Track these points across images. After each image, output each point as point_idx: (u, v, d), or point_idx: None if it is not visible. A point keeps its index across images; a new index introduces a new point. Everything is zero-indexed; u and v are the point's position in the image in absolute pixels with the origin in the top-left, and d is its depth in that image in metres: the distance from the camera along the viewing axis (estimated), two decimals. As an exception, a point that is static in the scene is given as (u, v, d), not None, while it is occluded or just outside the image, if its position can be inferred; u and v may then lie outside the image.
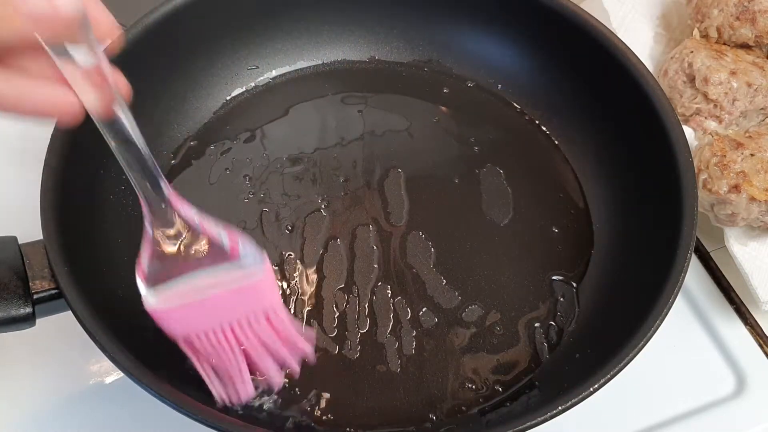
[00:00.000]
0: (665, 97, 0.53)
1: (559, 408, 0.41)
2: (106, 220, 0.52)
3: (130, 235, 0.53)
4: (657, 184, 0.53)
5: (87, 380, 0.53)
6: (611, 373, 0.42)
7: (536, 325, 0.52)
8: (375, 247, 0.55)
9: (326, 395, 0.48)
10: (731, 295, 0.58)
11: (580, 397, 0.41)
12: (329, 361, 0.50)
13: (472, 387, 0.49)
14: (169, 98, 0.59)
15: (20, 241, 0.45)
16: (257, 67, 0.63)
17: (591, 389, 0.42)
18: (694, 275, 0.59)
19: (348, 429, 0.47)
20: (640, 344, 0.43)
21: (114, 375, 0.53)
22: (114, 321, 0.44)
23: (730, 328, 0.57)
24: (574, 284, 0.54)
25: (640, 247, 0.53)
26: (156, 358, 0.45)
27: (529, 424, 0.41)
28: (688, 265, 0.46)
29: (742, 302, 0.57)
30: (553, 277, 0.54)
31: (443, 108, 0.63)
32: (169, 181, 0.56)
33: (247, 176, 0.58)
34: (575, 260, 0.55)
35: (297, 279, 0.53)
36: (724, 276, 0.59)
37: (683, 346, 0.56)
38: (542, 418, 0.41)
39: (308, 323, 0.51)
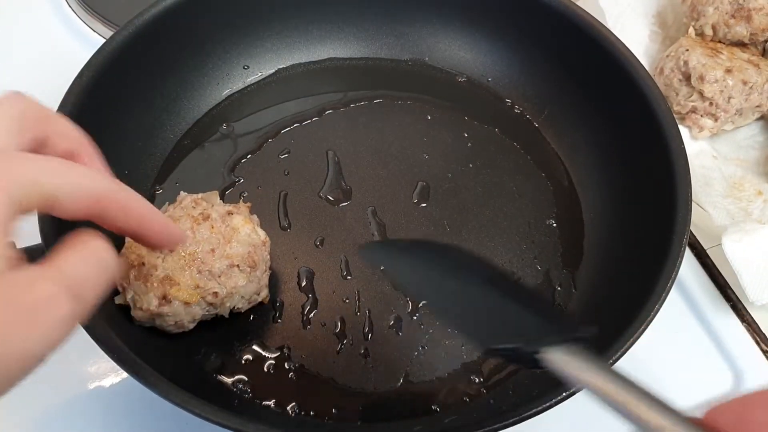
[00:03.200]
0: (656, 86, 0.54)
1: (564, 394, 0.41)
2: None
3: (122, 239, 0.53)
4: (649, 175, 0.53)
5: (85, 384, 0.52)
6: (615, 356, 0.42)
7: (535, 314, 0.52)
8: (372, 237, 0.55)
9: (331, 391, 0.49)
10: (727, 292, 0.58)
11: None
12: (332, 357, 0.50)
13: (474, 377, 0.49)
14: (161, 99, 0.58)
15: (18, 246, 0.45)
16: (248, 67, 0.63)
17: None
18: (691, 272, 0.59)
19: (353, 423, 0.48)
20: (643, 327, 0.43)
21: (112, 378, 0.52)
22: (113, 324, 0.44)
23: (726, 325, 0.57)
24: (571, 273, 0.54)
25: (635, 235, 0.53)
26: (155, 359, 0.45)
27: (535, 410, 0.41)
28: (685, 246, 0.47)
29: (738, 299, 0.57)
30: (549, 267, 0.55)
31: (435, 104, 0.63)
32: (162, 181, 0.57)
33: (240, 176, 0.58)
34: (570, 250, 0.56)
35: (301, 275, 0.53)
36: (720, 273, 0.58)
37: (680, 343, 0.56)
38: (548, 404, 0.41)
39: (308, 318, 0.51)
